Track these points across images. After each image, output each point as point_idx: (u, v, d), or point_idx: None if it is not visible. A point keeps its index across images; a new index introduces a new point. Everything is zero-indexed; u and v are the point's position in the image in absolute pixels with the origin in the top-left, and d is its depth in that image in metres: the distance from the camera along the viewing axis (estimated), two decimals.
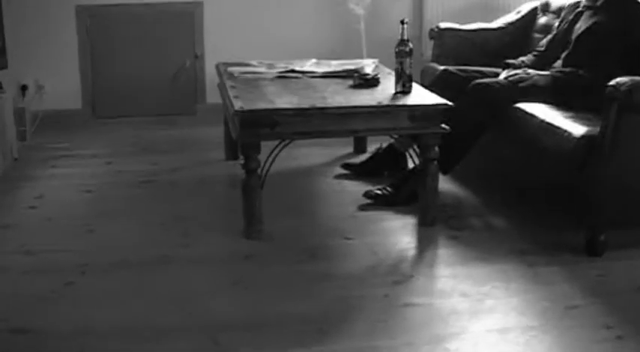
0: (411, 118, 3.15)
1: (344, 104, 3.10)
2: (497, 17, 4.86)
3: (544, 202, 3.54)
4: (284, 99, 3.16)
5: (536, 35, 4.50)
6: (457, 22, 4.69)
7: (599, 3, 3.67)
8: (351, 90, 3.39)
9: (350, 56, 4.21)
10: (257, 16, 5.08)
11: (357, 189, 3.69)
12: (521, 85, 3.58)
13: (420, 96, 3.26)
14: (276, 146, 3.12)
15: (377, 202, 3.52)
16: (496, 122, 3.54)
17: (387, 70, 3.81)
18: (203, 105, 5.07)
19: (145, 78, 5.03)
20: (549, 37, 4.05)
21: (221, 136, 4.25)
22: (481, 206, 3.55)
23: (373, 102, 3.14)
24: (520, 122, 3.42)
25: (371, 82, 3.48)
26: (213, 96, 4.78)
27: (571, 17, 3.80)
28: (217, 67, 4.07)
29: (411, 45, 3.28)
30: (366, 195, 3.55)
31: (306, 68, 3.83)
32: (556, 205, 3.48)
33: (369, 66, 3.87)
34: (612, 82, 2.90)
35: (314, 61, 4.06)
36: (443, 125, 3.19)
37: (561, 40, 3.81)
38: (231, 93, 3.30)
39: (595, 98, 3.31)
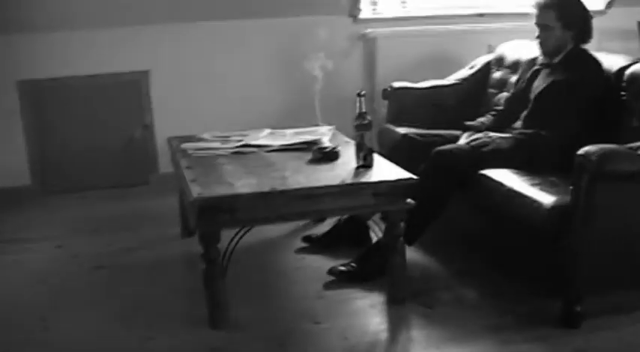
0: (376, 195, 3.03)
1: (306, 185, 2.97)
2: (450, 73, 4.80)
3: (515, 271, 3.44)
4: (243, 181, 3.03)
5: (491, 90, 4.44)
6: (410, 80, 4.62)
7: (556, 61, 3.62)
8: (312, 167, 3.27)
9: (304, 122, 4.09)
10: (206, 84, 4.96)
11: (320, 264, 3.56)
12: (484, 149, 3.50)
13: (383, 170, 3.16)
14: (237, 233, 2.98)
15: (342, 279, 3.39)
16: (461, 190, 3.44)
17: (345, 139, 3.71)
18: (156, 175, 4.91)
19: (95, 149, 4.87)
20: (507, 95, 3.99)
21: (176, 208, 4.09)
22: (450, 277, 3.45)
23: (336, 181, 3.02)
24: (486, 190, 3.33)
25: (330, 156, 3.36)
26: (165, 166, 4.63)
27: (528, 75, 3.74)
28: (169, 141, 3.93)
29: (369, 117, 3.18)
30: (331, 272, 3.42)
31: (261, 141, 3.70)
32: (528, 274, 3.39)
33: (325, 134, 3.76)
34: (581, 151, 2.83)
35: (268, 131, 3.94)
36: (408, 200, 3.07)
37: (520, 98, 3.75)
38: (187, 175, 3.15)
39: (560, 158, 3.26)
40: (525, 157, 3.45)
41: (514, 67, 4.32)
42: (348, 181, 3.02)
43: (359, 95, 3.18)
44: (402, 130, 4.15)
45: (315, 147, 3.42)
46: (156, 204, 4.62)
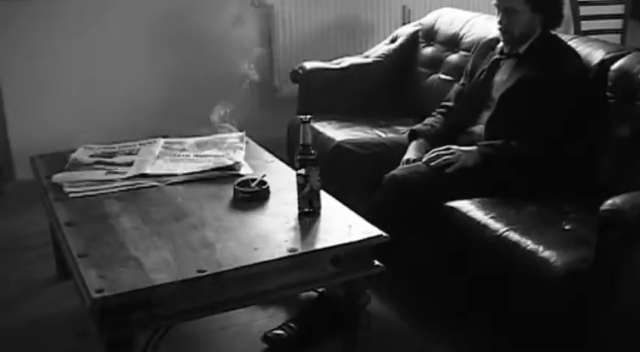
0: (335, 262, 2.22)
1: (245, 260, 2.12)
2: (365, 46, 3.97)
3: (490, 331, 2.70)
4: (155, 258, 2.14)
5: (422, 69, 3.67)
6: (314, 55, 3.77)
7: (521, 50, 2.85)
8: (238, 216, 2.40)
9: (198, 117, 3.17)
10: (74, 69, 3.88)
11: None
12: (448, 170, 2.72)
13: (337, 220, 2.34)
14: (155, 332, 2.10)
15: (281, 347, 2.58)
16: (424, 226, 2.66)
17: (259, 150, 2.96)
18: (13, 184, 3.86)
19: None
20: (456, 87, 3.20)
21: (42, 229, 3.17)
22: (422, 339, 2.68)
23: (282, 249, 2.16)
24: (459, 232, 2.56)
25: (259, 196, 2.49)
26: (23, 172, 3.60)
27: (487, 66, 2.96)
28: (34, 164, 2.93)
29: (314, 152, 2.32)
30: (266, 339, 2.59)
31: (158, 167, 2.76)
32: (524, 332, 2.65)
33: (236, 147, 2.90)
34: (608, 203, 2.10)
35: (161, 142, 3.00)
36: (376, 262, 2.28)
37: (477, 94, 2.97)
38: (71, 242, 2.22)
39: (538, 175, 2.57)
40: (495, 176, 2.71)
41: (450, 44, 3.56)
42: (302, 250, 2.17)
43: (303, 122, 2.32)
44: (323, 129, 3.31)
45: (237, 182, 2.54)
46: (17, 223, 3.61)
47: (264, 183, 2.54)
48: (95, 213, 2.45)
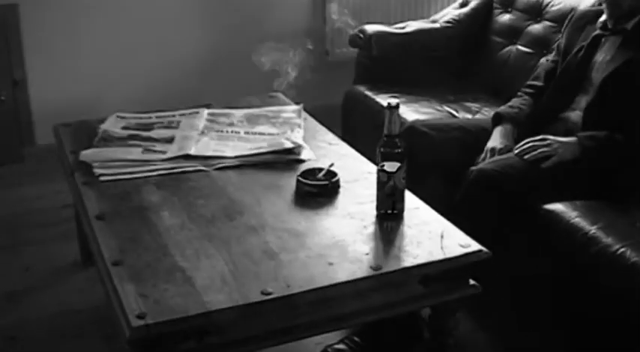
0: (424, 282, 1.77)
1: (319, 281, 1.66)
2: (426, 9, 3.48)
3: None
4: (207, 270, 1.69)
5: (497, 39, 3.17)
6: (372, 17, 3.29)
7: (629, 26, 2.36)
8: (305, 216, 1.96)
9: (249, 87, 2.72)
10: (102, 23, 3.40)
11: None
12: (544, 165, 2.25)
13: (424, 226, 1.88)
14: None
15: None
16: (517, 233, 2.21)
17: (318, 127, 2.51)
18: (32, 149, 3.40)
19: None
20: (545, 63, 2.72)
21: (64, 200, 2.77)
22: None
23: (363, 268, 1.71)
24: (562, 243, 2.10)
25: (329, 189, 2.03)
26: (44, 136, 3.16)
27: (586, 42, 2.46)
28: (57, 135, 2.48)
29: (401, 144, 1.86)
30: None
31: (203, 147, 2.30)
32: None
33: (293, 124, 2.47)
34: None
35: (206, 113, 2.54)
36: (472, 281, 1.83)
37: (572, 75, 2.48)
38: (101, 242, 1.79)
39: None
40: (597, 174, 2.25)
41: (532, 12, 3.07)
42: (388, 268, 1.72)
43: (389, 107, 1.85)
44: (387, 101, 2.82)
45: (300, 172, 2.09)
46: (36, 191, 3.17)
47: (334, 174, 2.08)
48: (131, 204, 2.01)
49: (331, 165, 2.14)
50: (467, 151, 2.46)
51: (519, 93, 2.62)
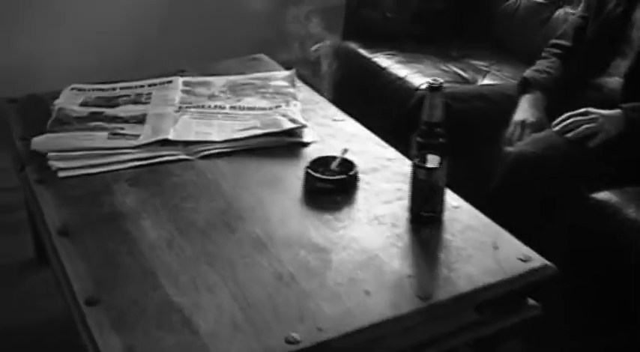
0: (479, 308, 1.39)
1: (356, 321, 1.26)
2: None
3: None
4: (210, 310, 1.28)
5: None
6: None
7: None
8: (322, 220, 1.53)
9: (230, 48, 2.27)
10: None
11: None
12: (591, 144, 1.87)
13: (472, 234, 1.49)
14: None
15: None
16: (560, 225, 1.84)
17: (317, 98, 2.07)
18: None
19: None
20: (572, 19, 2.32)
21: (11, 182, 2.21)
22: None
23: (407, 292, 1.32)
24: (616, 240, 1.75)
25: (347, 183, 1.63)
26: None
27: None
28: (6, 112, 2.00)
29: (444, 133, 1.46)
30: None
31: (182, 119, 1.87)
32: None
33: (286, 93, 2.05)
34: None
35: (180, 82, 2.10)
36: (531, 300, 1.47)
37: (608, 34, 2.09)
38: (72, 278, 1.35)
39: None
40: None
41: None
42: (439, 296, 1.33)
43: (431, 88, 1.44)
44: (387, 65, 2.43)
45: (310, 162, 1.67)
46: None
47: (350, 164, 1.67)
48: (101, 210, 1.57)
49: (345, 151, 1.72)
50: (491, 125, 2.07)
51: (544, 54, 2.23)
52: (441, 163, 1.49)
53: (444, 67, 2.52)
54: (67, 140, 1.79)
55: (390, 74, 2.41)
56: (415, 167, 1.50)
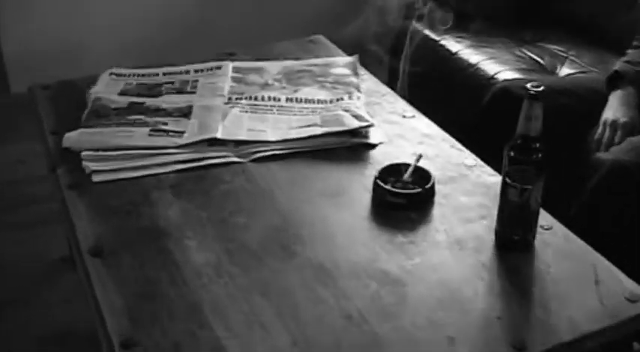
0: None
1: None
2: None
3: None
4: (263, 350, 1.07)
5: None
6: None
7: None
8: (394, 242, 1.30)
9: (286, 30, 2.04)
10: None
11: None
12: None
13: (567, 264, 1.27)
14: None
15: None
16: None
17: (381, 86, 1.81)
18: (8, 98, 2.70)
19: None
20: None
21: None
22: None
23: (497, 338, 1.10)
24: None
25: (422, 198, 1.40)
26: (20, 83, 2.46)
27: None
28: (34, 100, 1.81)
29: (542, 149, 1.21)
30: None
31: (232, 112, 1.65)
32: None
33: (348, 83, 1.81)
34: None
35: (230, 67, 1.89)
36: (637, 345, 1.24)
37: None
38: (107, 316, 1.15)
39: None
40: None
41: None
42: (536, 347, 1.11)
43: (529, 95, 1.19)
44: (456, 49, 2.17)
45: (379, 171, 1.44)
46: (14, 153, 2.49)
47: (426, 174, 1.44)
48: (139, 224, 1.37)
49: (419, 157, 1.49)
50: (577, 125, 1.81)
51: (636, 43, 1.95)
52: (537, 182, 1.25)
53: (519, 53, 2.26)
54: (103, 137, 1.58)
55: (461, 60, 2.17)
56: (506, 186, 1.26)
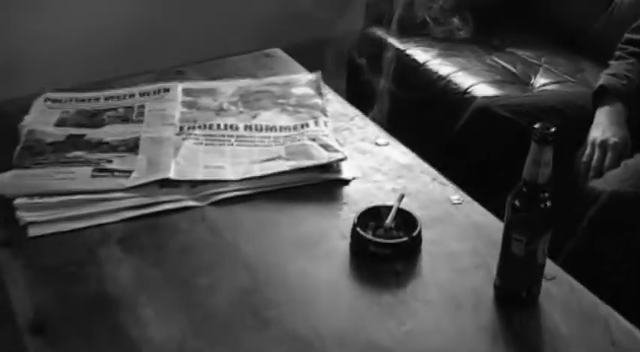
0: None
1: None
2: None
3: None
4: None
5: None
6: None
7: None
8: (379, 306, 1.15)
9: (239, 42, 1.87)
10: None
11: None
12: None
13: (577, 329, 1.13)
14: None
15: None
16: None
17: (346, 105, 1.63)
18: None
19: None
20: None
21: None
22: None
23: None
24: None
25: (409, 248, 1.23)
26: None
27: None
28: None
29: (549, 198, 1.05)
30: None
31: (185, 146, 1.46)
32: None
33: (313, 106, 1.65)
34: None
35: (180, 89, 1.68)
36: None
37: None
38: None
39: None
40: None
41: None
42: None
43: (540, 137, 1.04)
44: (422, 59, 2.02)
45: (357, 215, 1.26)
46: None
47: (411, 218, 1.27)
48: (87, 291, 1.17)
49: (401, 197, 1.32)
50: (564, 146, 1.66)
51: (619, 53, 1.83)
52: (545, 234, 1.09)
53: (490, 61, 2.12)
54: (40, 180, 1.38)
55: (431, 72, 2.00)
56: (510, 239, 1.10)
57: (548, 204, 1.08)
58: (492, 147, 1.69)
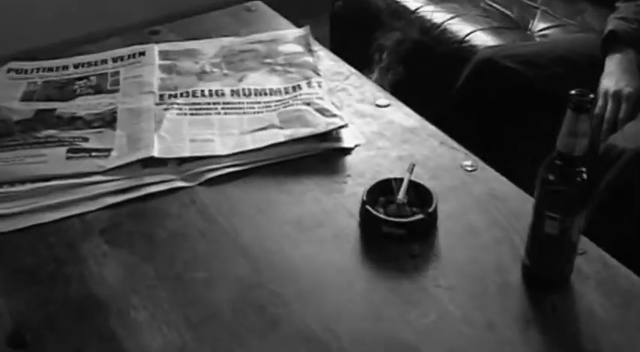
0: None
1: None
2: None
3: None
4: None
5: None
6: None
7: None
8: (396, 295, 1.03)
9: None
10: None
11: None
12: None
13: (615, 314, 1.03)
14: None
15: None
16: None
17: (333, 58, 1.51)
18: None
19: None
20: None
21: None
22: None
23: None
24: None
25: (423, 226, 1.11)
26: None
27: None
28: None
29: (583, 171, 0.93)
30: None
31: (168, 117, 1.32)
32: None
33: (304, 65, 1.51)
34: None
35: (157, 52, 1.53)
36: None
37: None
38: None
39: None
40: None
41: None
42: None
43: (578, 107, 0.90)
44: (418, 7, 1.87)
45: (366, 191, 1.13)
46: None
47: (424, 190, 1.15)
48: (69, 293, 1.04)
49: (412, 168, 1.19)
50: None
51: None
52: (581, 211, 0.97)
53: (484, 5, 1.97)
54: (7, 166, 1.23)
55: (423, 19, 1.85)
56: (542, 216, 0.98)
57: (585, 177, 0.96)
58: (499, 101, 1.56)
